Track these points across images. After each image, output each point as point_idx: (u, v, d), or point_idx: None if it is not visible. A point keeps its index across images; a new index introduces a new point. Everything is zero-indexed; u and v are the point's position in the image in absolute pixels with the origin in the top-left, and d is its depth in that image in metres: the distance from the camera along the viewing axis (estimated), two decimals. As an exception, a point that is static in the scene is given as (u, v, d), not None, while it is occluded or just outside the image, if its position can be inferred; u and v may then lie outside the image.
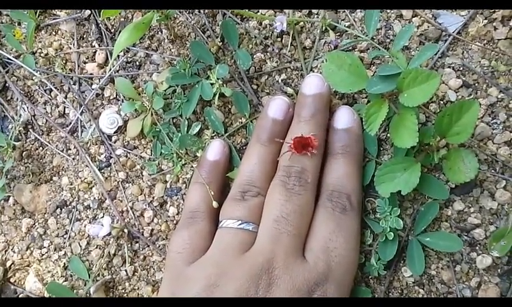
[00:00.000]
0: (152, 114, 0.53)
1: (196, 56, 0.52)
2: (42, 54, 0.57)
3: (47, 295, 0.55)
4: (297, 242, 0.45)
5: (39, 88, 0.58)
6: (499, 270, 0.47)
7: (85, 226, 0.55)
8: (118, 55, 0.55)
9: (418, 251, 0.48)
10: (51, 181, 0.57)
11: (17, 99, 0.58)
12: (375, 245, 0.49)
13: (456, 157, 0.44)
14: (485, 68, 0.49)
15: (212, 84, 0.50)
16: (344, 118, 0.49)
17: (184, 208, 0.51)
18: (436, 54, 0.50)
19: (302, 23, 0.53)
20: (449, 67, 0.50)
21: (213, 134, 0.53)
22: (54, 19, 0.58)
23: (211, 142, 0.52)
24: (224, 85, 0.51)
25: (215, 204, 0.48)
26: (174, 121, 0.54)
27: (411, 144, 0.42)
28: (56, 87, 0.57)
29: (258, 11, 0.53)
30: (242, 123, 0.53)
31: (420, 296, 0.49)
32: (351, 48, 0.52)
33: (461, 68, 0.50)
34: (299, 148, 0.46)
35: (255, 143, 0.49)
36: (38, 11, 0.57)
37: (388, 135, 0.50)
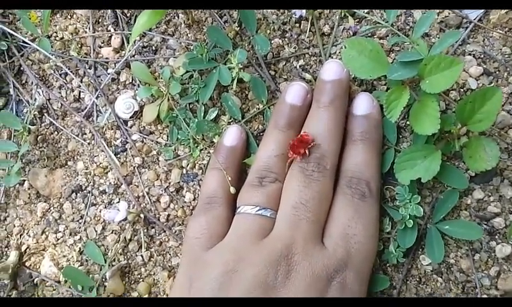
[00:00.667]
0: (168, 100, 0.53)
1: (213, 41, 0.52)
2: (57, 38, 0.57)
3: (62, 279, 0.55)
4: (316, 228, 0.45)
5: (54, 72, 0.57)
6: (519, 260, 0.47)
7: (100, 211, 0.55)
8: (134, 40, 0.54)
9: (438, 238, 0.47)
10: (66, 166, 0.57)
11: (32, 83, 0.58)
12: (393, 233, 0.48)
13: (477, 145, 0.44)
14: (506, 55, 0.49)
15: (230, 68, 0.49)
16: (363, 104, 0.48)
17: (200, 193, 0.51)
18: (456, 42, 0.50)
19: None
20: (470, 54, 0.49)
21: (230, 120, 0.53)
22: (69, 2, 0.57)
23: (228, 128, 0.51)
24: (242, 70, 0.51)
25: (232, 189, 0.48)
26: (190, 106, 0.53)
27: (432, 131, 0.42)
28: (71, 72, 0.56)
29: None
30: (259, 109, 0.52)
31: (439, 284, 0.49)
32: (370, 34, 0.52)
33: (482, 56, 0.49)
34: (296, 150, 0.46)
35: (273, 129, 0.49)
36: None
37: (407, 122, 0.49)
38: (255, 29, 0.52)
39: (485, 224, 0.48)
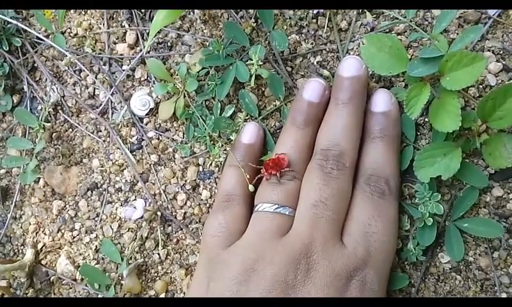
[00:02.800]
0: (184, 96, 0.52)
1: (230, 37, 0.51)
2: (72, 34, 0.56)
3: (79, 277, 0.55)
4: (336, 227, 0.45)
5: (68, 69, 0.57)
6: (539, 258, 0.47)
7: (116, 209, 0.55)
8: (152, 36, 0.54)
9: (457, 236, 0.47)
10: (81, 164, 0.56)
11: (46, 80, 0.57)
12: (412, 231, 0.48)
13: (497, 142, 0.43)
14: (526, 52, 0.48)
15: (248, 65, 0.49)
16: (381, 101, 0.48)
17: (218, 191, 0.51)
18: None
19: (339, 4, 0.52)
20: (489, 50, 0.49)
21: (246, 117, 0.52)
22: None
23: (245, 125, 0.51)
24: (259, 67, 0.50)
25: (251, 187, 0.48)
26: (206, 103, 0.53)
27: (453, 128, 0.41)
28: (85, 68, 0.56)
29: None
30: (276, 105, 0.52)
31: (457, 282, 0.49)
32: (388, 30, 0.51)
33: (501, 52, 0.49)
34: (268, 170, 0.47)
35: (291, 126, 0.49)
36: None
37: (426, 119, 0.49)
38: (272, 25, 0.51)
39: (504, 222, 0.48)
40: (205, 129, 0.52)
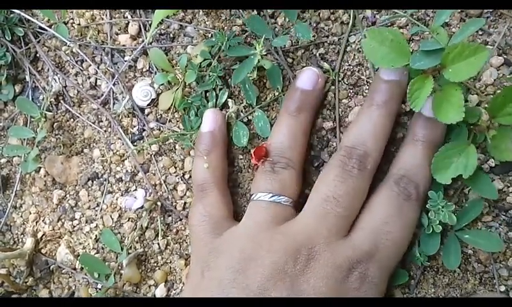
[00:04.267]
0: (184, 87, 0.53)
1: (252, 30, 0.51)
2: (74, 24, 0.57)
3: (78, 266, 0.55)
4: (344, 224, 0.45)
5: (70, 59, 0.57)
6: (538, 251, 0.47)
7: (117, 199, 0.55)
8: (151, 27, 0.54)
9: (456, 246, 0.47)
10: (82, 153, 0.56)
11: (48, 70, 0.57)
12: (419, 235, 0.48)
13: (504, 135, 0.44)
14: (528, 46, 0.48)
15: (253, 55, 0.49)
16: None
17: (192, 183, 0.51)
18: (477, 31, 0.49)
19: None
20: (490, 44, 0.49)
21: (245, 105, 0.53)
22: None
23: (204, 114, 0.51)
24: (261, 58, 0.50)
25: (205, 165, 0.48)
26: (206, 94, 0.53)
27: (456, 119, 0.41)
28: (87, 58, 0.56)
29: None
30: (275, 96, 0.52)
31: (456, 275, 0.49)
32: (389, 24, 0.51)
33: (503, 46, 0.49)
34: (252, 158, 0.48)
35: (284, 114, 0.49)
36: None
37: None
38: (295, 18, 0.50)
39: (503, 215, 0.48)
40: (199, 119, 0.52)
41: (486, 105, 0.45)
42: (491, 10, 0.49)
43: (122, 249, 0.53)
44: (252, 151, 0.48)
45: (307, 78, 0.49)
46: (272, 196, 0.46)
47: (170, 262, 0.54)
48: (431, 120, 0.46)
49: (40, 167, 0.57)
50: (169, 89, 0.54)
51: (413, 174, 0.45)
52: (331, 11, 0.52)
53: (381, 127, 0.46)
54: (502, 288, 0.48)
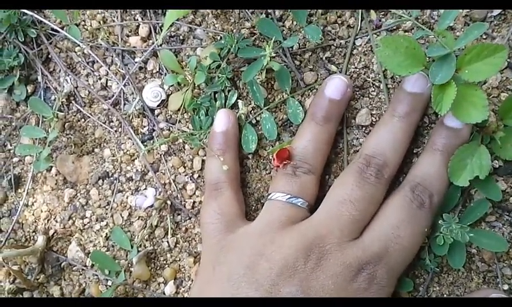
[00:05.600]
0: (194, 88, 0.54)
1: (263, 33, 0.52)
2: (86, 26, 0.58)
3: (89, 263, 0.56)
4: (356, 227, 0.45)
5: (82, 60, 0.58)
6: (541, 251, 0.48)
7: (127, 198, 0.56)
8: (161, 29, 0.55)
9: (461, 247, 0.48)
10: (93, 153, 0.57)
11: (60, 70, 0.58)
12: (429, 241, 0.49)
13: (510, 136, 0.45)
14: (531, 49, 0.49)
15: (263, 56, 0.50)
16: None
17: (206, 182, 0.52)
18: (481, 35, 0.50)
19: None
20: (494, 48, 0.50)
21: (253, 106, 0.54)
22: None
23: (217, 114, 0.52)
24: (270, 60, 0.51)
25: (225, 167, 0.49)
26: (215, 95, 0.54)
27: (481, 118, 0.42)
28: (99, 60, 0.57)
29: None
30: (283, 98, 0.53)
31: (460, 274, 0.50)
32: (395, 27, 0.52)
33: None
34: (274, 160, 0.48)
35: (310, 121, 0.49)
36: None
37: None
38: (305, 20, 0.51)
39: (507, 215, 0.49)
40: (209, 119, 0.53)
41: (493, 107, 0.46)
42: (495, 14, 0.50)
43: (132, 246, 0.54)
44: (274, 153, 0.49)
45: (335, 87, 0.49)
46: (290, 198, 0.47)
47: (179, 260, 0.55)
48: (452, 130, 0.47)
49: (52, 166, 0.58)
50: (178, 90, 0.55)
51: (428, 183, 0.46)
52: (338, 14, 0.53)
53: (401, 139, 0.47)
54: (506, 287, 0.49)
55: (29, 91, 0.59)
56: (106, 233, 0.56)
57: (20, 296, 0.57)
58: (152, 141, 0.56)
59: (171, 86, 0.55)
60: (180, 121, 0.55)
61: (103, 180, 0.57)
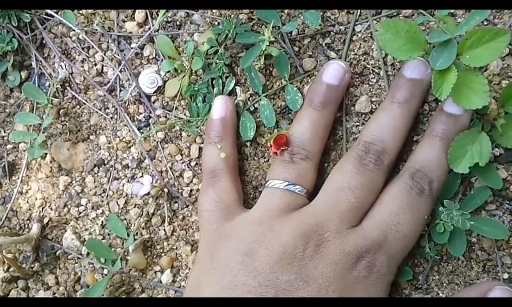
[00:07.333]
0: (190, 75, 0.53)
1: (261, 17, 0.52)
2: (81, 11, 0.56)
3: (84, 252, 0.55)
4: (356, 215, 0.45)
5: (77, 46, 0.57)
6: (541, 239, 0.48)
7: (123, 185, 0.55)
8: (158, 14, 0.54)
9: (461, 234, 0.47)
10: (88, 140, 0.57)
11: (54, 56, 0.57)
12: (428, 229, 0.48)
13: (511, 123, 0.44)
14: (533, 36, 0.49)
15: (262, 41, 0.49)
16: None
17: (203, 169, 0.51)
18: (482, 22, 0.49)
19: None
20: (496, 35, 0.49)
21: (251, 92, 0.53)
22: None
23: (214, 101, 0.51)
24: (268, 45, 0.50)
25: (223, 154, 0.48)
26: (213, 82, 0.53)
27: (482, 104, 0.41)
28: (94, 45, 0.56)
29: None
30: (282, 84, 0.52)
31: (460, 263, 0.49)
32: (395, 13, 0.51)
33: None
34: (271, 147, 0.48)
35: (307, 106, 0.49)
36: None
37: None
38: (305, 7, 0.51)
39: (507, 204, 0.48)
40: (207, 106, 0.52)
41: (494, 95, 0.45)
42: (497, 0, 0.50)
43: (128, 235, 0.54)
44: (271, 140, 0.48)
45: (333, 72, 0.49)
46: (288, 185, 0.47)
47: (176, 248, 0.54)
48: (451, 117, 0.46)
49: (46, 154, 0.57)
50: (175, 76, 0.54)
51: (428, 169, 0.45)
52: (338, -1, 0.52)
53: (400, 125, 0.46)
54: (505, 276, 0.48)
55: (23, 76, 0.58)
56: (102, 221, 0.55)
57: (15, 284, 0.56)
58: (148, 128, 0.55)
59: (168, 72, 0.55)
60: (177, 108, 0.55)
61: (99, 168, 0.56)
